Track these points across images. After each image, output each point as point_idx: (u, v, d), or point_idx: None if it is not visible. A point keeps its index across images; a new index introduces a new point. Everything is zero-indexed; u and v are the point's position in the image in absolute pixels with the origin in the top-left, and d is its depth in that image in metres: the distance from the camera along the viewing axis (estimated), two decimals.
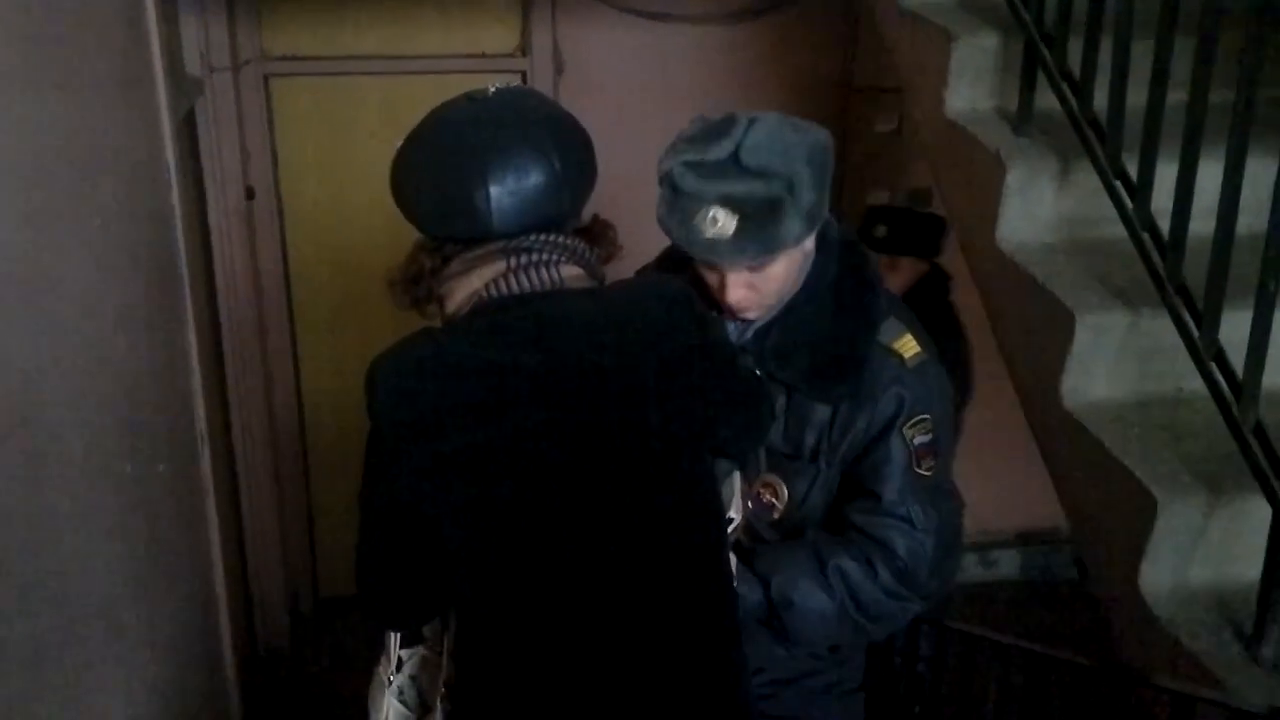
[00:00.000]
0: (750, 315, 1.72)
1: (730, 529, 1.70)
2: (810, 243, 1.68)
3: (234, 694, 3.22)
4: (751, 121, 1.59)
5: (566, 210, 1.46)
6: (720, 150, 1.57)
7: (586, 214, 1.55)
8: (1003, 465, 1.90)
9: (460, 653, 1.62)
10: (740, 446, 1.68)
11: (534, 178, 1.40)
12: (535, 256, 1.43)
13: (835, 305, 1.73)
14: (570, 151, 1.45)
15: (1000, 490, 1.87)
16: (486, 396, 1.40)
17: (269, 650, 4.30)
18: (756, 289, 1.66)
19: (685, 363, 1.45)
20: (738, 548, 1.75)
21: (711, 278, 1.68)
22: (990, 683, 2.37)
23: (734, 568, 1.68)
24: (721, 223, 1.56)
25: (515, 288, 1.42)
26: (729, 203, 1.55)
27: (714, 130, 1.61)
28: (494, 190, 1.39)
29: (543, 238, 1.43)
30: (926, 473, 1.70)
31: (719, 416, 1.53)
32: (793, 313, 1.73)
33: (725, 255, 1.59)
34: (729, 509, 1.71)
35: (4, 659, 1.65)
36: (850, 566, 1.69)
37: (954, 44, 2.32)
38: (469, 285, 1.44)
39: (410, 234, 1.54)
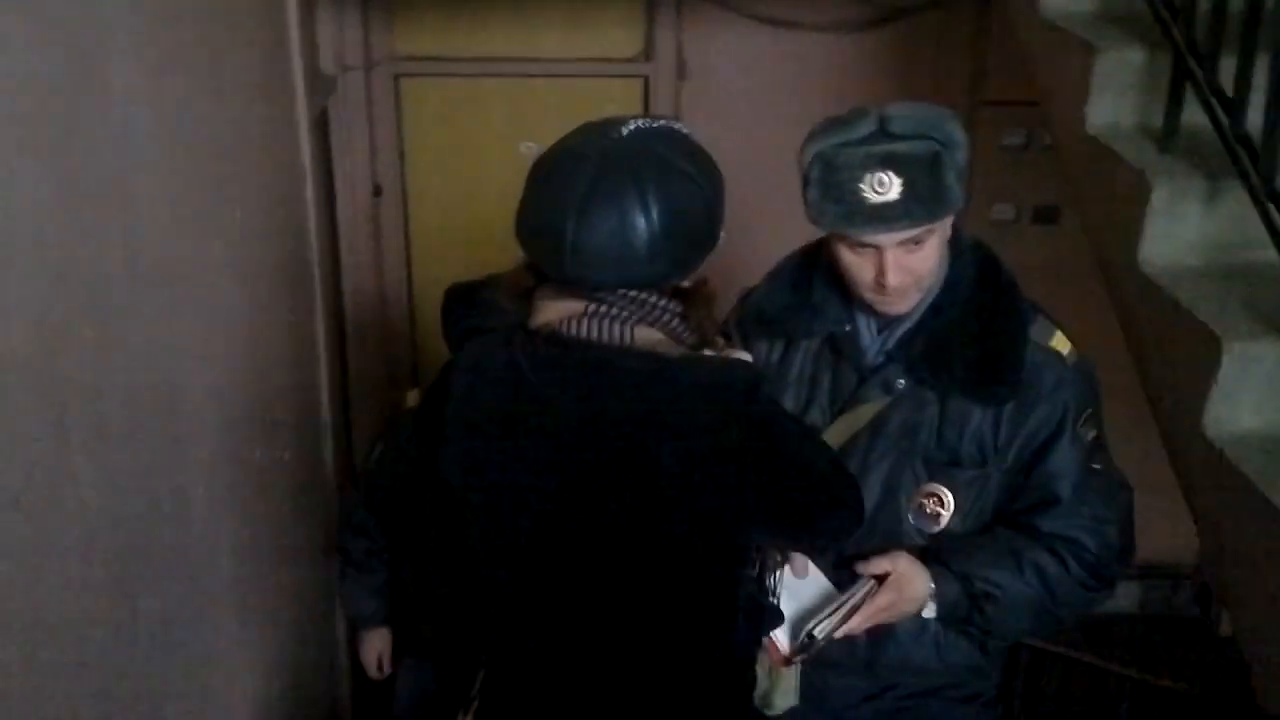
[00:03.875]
0: (902, 307, 1.71)
1: None
2: (949, 229, 1.68)
3: (345, 682, 3.29)
4: (880, 107, 1.61)
5: (661, 271, 1.40)
6: (865, 126, 1.59)
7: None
8: None
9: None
10: (817, 545, 1.68)
11: (624, 235, 1.35)
12: (610, 310, 1.41)
13: (979, 307, 1.73)
14: (678, 214, 1.37)
15: None
16: (521, 421, 1.46)
17: None
18: (913, 271, 1.65)
19: (715, 461, 1.40)
20: (925, 550, 1.75)
21: (865, 267, 1.65)
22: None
23: (929, 566, 1.72)
24: (886, 184, 1.55)
25: (582, 333, 1.42)
26: (892, 162, 1.55)
27: (849, 116, 1.62)
28: (575, 241, 1.36)
29: (624, 293, 1.40)
30: (1099, 466, 1.74)
31: (757, 517, 1.48)
32: (936, 316, 1.73)
33: (892, 220, 1.58)
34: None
35: (138, 631, 1.72)
36: (1045, 560, 1.72)
37: (1096, 57, 2.25)
38: (549, 314, 1.45)
39: None
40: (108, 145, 1.61)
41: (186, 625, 1.93)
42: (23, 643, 1.36)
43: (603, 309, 1.41)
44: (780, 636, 1.71)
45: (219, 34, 2.18)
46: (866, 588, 1.70)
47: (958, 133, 1.60)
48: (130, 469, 1.67)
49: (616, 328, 1.41)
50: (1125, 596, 4.55)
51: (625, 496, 1.43)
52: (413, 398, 2.59)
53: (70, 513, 1.48)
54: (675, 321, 1.44)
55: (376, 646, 2.80)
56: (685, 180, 1.39)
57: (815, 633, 1.67)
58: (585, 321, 1.42)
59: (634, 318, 1.41)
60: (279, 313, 2.59)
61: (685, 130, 1.46)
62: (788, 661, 1.72)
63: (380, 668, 2.82)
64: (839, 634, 1.69)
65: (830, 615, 1.68)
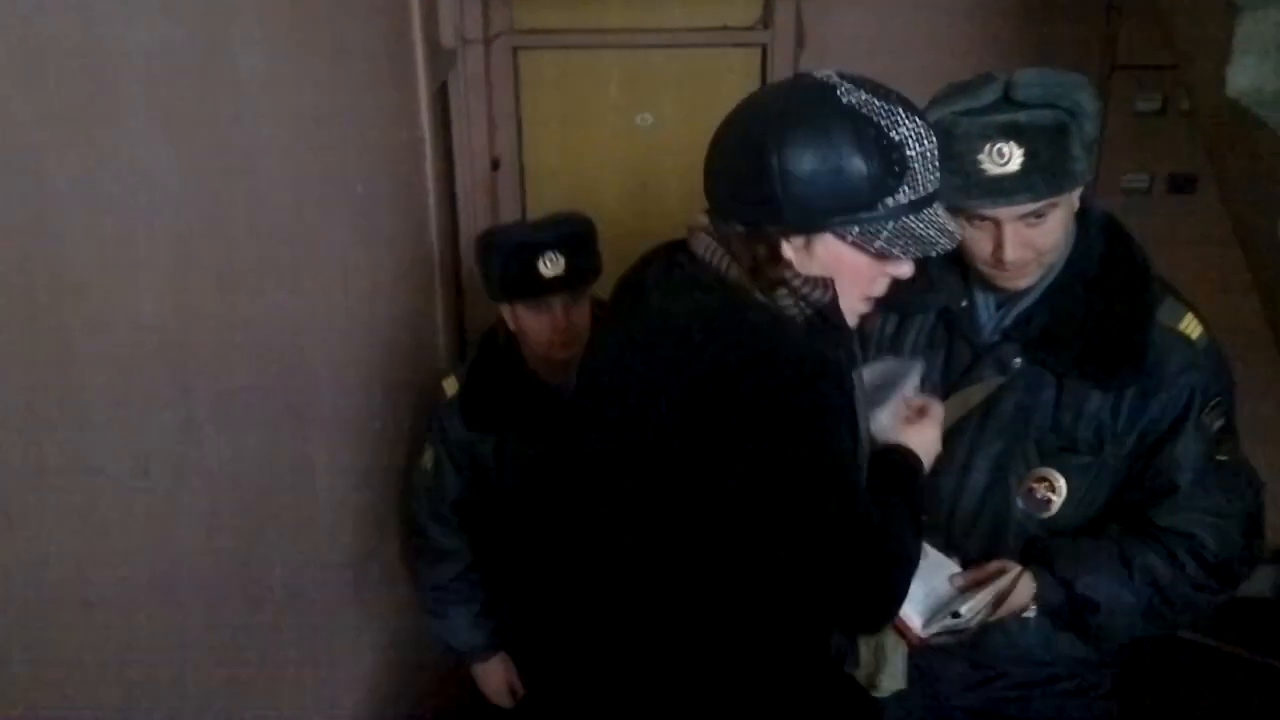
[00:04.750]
0: (1021, 283, 1.65)
1: None
2: (1076, 201, 1.61)
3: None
4: (1009, 73, 1.54)
5: (760, 215, 1.33)
6: (990, 93, 1.53)
7: None
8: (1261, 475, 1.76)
9: None
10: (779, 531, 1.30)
11: (729, 161, 1.36)
12: (713, 232, 1.39)
13: (1105, 285, 1.65)
14: (791, 165, 1.28)
15: None
16: (620, 313, 1.50)
17: None
18: (1033, 246, 1.58)
19: (708, 407, 1.28)
20: (1032, 545, 1.70)
21: (982, 241, 1.60)
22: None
23: (1032, 569, 1.66)
24: (1007, 155, 1.50)
25: (694, 248, 1.41)
26: (1014, 132, 1.49)
27: (973, 82, 1.56)
28: (709, 154, 1.40)
29: (732, 223, 1.36)
30: (1225, 457, 1.64)
31: (749, 481, 1.28)
32: (1059, 294, 1.66)
33: (1011, 194, 1.51)
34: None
35: (265, 595, 1.77)
36: (1157, 564, 1.64)
37: (1240, 17, 2.13)
38: (693, 222, 1.46)
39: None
40: (233, 119, 1.64)
41: (310, 588, 1.98)
42: (153, 605, 1.41)
43: (710, 227, 1.41)
44: (912, 617, 1.66)
45: (341, 9, 2.21)
46: (1015, 573, 1.66)
47: (1088, 102, 1.53)
48: (254, 438, 1.72)
49: (713, 248, 1.40)
50: (1258, 581, 4.35)
51: (638, 408, 1.38)
52: (450, 386, 2.36)
53: (198, 479, 1.53)
54: (750, 263, 1.37)
55: (500, 674, 2.49)
56: (819, 139, 1.28)
57: (962, 611, 1.62)
58: (698, 235, 1.42)
59: (722, 247, 1.39)
60: (398, 286, 2.63)
61: (873, 102, 1.33)
62: (923, 642, 1.68)
63: (514, 693, 2.51)
64: (993, 618, 1.65)
65: (977, 596, 1.64)
